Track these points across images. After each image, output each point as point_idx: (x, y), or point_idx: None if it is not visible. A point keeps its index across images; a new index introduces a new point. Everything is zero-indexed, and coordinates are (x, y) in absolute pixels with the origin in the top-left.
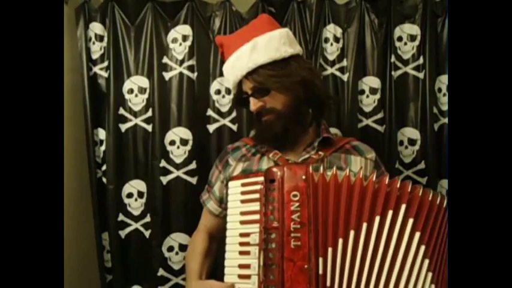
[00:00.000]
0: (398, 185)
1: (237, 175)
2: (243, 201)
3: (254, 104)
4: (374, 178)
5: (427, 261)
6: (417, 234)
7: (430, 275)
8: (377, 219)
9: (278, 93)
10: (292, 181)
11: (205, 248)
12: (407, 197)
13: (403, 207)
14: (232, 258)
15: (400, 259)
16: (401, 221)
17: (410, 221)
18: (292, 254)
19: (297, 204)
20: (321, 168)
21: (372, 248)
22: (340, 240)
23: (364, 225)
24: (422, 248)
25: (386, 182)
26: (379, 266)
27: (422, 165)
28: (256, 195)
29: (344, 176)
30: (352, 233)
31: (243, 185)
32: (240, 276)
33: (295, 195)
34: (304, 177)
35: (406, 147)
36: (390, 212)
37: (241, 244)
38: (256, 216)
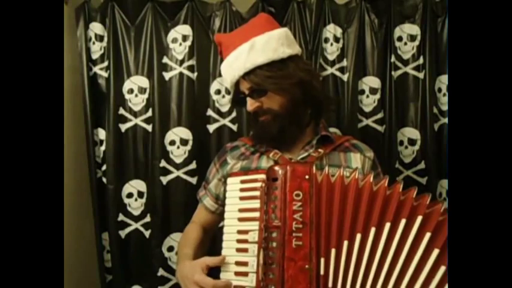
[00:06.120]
0: (414, 195)
1: (236, 172)
2: (242, 198)
3: (251, 104)
4: (386, 183)
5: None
6: (435, 251)
7: None
8: (387, 225)
9: (275, 94)
10: (295, 180)
11: (198, 237)
12: (424, 209)
13: (419, 218)
14: (229, 255)
15: (411, 270)
16: (416, 232)
17: (428, 234)
18: (293, 253)
19: (300, 203)
20: (326, 168)
21: (380, 254)
22: (345, 242)
23: (373, 229)
24: (443, 268)
25: (400, 190)
26: (386, 273)
27: (422, 165)
28: (256, 193)
29: (352, 178)
30: (358, 236)
31: (242, 182)
32: (237, 274)
33: (297, 195)
34: (307, 176)
35: (406, 147)
36: (403, 221)
37: (239, 241)
38: (255, 214)
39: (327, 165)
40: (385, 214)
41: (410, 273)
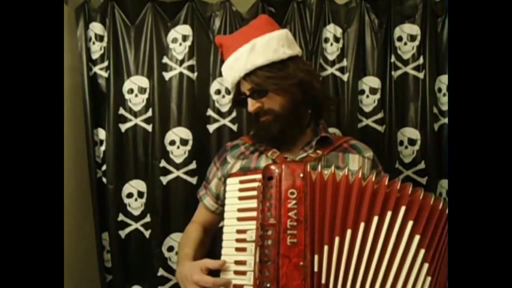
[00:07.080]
0: (398, 187)
1: (235, 172)
2: (240, 198)
3: (252, 105)
4: (373, 178)
5: (426, 265)
6: (416, 237)
7: (428, 279)
8: (375, 219)
9: (276, 94)
10: (290, 179)
11: (199, 237)
12: (407, 199)
13: (403, 208)
14: (228, 255)
15: (398, 260)
16: (401, 222)
17: (410, 223)
18: (288, 250)
19: (294, 201)
20: (319, 166)
21: (369, 247)
22: (337, 239)
23: (362, 224)
24: (422, 251)
25: (386, 183)
26: (375, 266)
27: (422, 165)
28: (254, 193)
29: (342, 175)
30: (349, 231)
31: (241, 182)
32: (236, 273)
33: (292, 193)
34: (301, 175)
35: (406, 147)
36: (389, 213)
37: (238, 241)
38: (254, 214)
39: (324, 165)
40: (373, 208)
41: (397, 262)
